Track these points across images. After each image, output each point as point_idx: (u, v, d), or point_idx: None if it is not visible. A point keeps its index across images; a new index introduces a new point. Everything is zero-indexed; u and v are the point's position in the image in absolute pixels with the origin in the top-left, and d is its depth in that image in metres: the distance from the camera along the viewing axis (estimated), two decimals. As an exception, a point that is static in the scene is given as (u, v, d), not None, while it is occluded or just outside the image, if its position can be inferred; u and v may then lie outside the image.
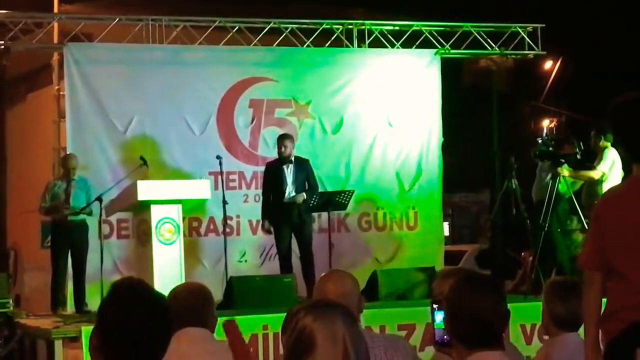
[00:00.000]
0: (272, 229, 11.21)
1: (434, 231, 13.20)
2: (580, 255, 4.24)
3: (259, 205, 12.25)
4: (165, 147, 12.07)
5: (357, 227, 12.82)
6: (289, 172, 11.14)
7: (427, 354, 4.83)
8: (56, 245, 10.95)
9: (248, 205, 12.37)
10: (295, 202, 10.97)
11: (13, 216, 12.63)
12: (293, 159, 11.22)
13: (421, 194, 13.12)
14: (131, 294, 2.93)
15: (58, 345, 8.12)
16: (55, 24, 12.44)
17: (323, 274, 4.42)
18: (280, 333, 8.25)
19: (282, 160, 11.16)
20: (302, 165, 11.28)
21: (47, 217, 11.25)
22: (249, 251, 12.32)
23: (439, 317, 3.38)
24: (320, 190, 11.55)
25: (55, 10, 13.37)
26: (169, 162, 12.03)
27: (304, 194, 11.04)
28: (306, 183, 11.22)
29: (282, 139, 11.29)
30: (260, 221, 11.59)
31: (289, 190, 11.09)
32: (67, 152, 11.44)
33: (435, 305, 3.45)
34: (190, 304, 4.34)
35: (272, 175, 11.22)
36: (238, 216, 12.25)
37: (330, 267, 10.71)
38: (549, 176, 10.84)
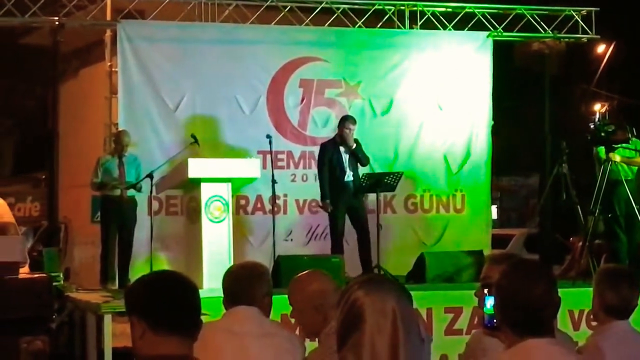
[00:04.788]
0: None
1: (481, 214, 13.14)
2: None
3: (306, 184, 12.31)
4: (215, 126, 12.13)
5: (403, 208, 12.80)
6: (345, 152, 11.12)
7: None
8: (106, 220, 11.07)
9: (295, 185, 12.42)
10: (351, 183, 10.95)
11: (64, 190, 12.74)
12: None
13: (469, 177, 13.06)
14: (152, 272, 3.17)
15: (107, 319, 8.17)
16: (109, 1, 12.50)
17: (298, 276, 4.40)
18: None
19: (342, 141, 11.13)
20: (358, 144, 11.25)
21: (97, 192, 11.37)
22: (296, 230, 12.37)
23: (489, 302, 3.36)
24: (369, 172, 11.55)
25: (109, -14, 13.43)
26: (219, 140, 12.09)
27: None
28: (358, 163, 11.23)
29: (350, 122, 11.16)
30: (312, 200, 11.60)
31: (348, 171, 11.10)
32: (120, 129, 11.54)
33: (485, 290, 3.42)
34: (242, 282, 4.34)
35: (330, 155, 11.20)
36: (285, 195, 12.29)
37: (378, 248, 10.72)
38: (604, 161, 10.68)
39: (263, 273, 4.47)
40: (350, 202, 11.08)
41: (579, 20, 13.36)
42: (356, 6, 12.96)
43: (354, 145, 11.09)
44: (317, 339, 4.26)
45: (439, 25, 13.09)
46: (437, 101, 12.96)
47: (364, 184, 11.07)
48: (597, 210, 10.30)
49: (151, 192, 10.45)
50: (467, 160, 13.06)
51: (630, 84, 23.73)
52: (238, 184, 9.90)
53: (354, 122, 11.24)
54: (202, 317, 3.02)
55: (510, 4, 13.29)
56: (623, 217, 10.60)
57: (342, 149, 11.10)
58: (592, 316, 4.77)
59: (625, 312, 4.43)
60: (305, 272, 4.44)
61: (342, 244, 11.05)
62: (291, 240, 12.32)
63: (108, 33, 12.77)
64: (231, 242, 9.20)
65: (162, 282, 3.00)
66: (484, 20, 13.10)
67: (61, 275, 10.69)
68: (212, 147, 11.84)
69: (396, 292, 2.65)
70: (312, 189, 12.40)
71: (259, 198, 12.15)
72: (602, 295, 4.44)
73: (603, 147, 10.50)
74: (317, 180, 12.12)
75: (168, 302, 2.92)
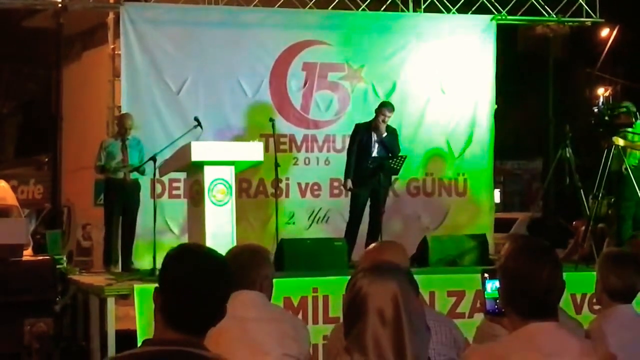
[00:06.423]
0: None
1: (483, 198, 13.13)
2: None
3: (309, 167, 12.33)
4: (218, 109, 12.12)
5: (405, 192, 12.79)
6: (377, 139, 11.10)
7: (476, 321, 4.82)
8: (109, 203, 11.06)
9: (298, 168, 12.42)
10: (379, 168, 10.93)
11: (67, 173, 12.76)
12: None
13: (471, 160, 13.05)
14: (198, 256, 2.83)
15: (110, 302, 8.21)
16: (112, -17, 12.50)
17: (375, 245, 4.40)
18: (330, 296, 8.35)
19: (375, 127, 11.09)
20: (392, 134, 11.23)
21: (101, 175, 11.37)
22: (297, 213, 12.38)
23: (490, 286, 3.34)
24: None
25: (112, -31, 13.41)
26: (222, 123, 12.08)
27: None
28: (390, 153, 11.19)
29: (386, 109, 11.11)
30: (314, 183, 11.56)
31: (374, 155, 11.09)
32: (123, 112, 11.52)
33: (486, 275, 3.40)
34: (242, 265, 4.26)
35: (361, 138, 11.17)
36: (287, 178, 12.30)
37: (381, 231, 10.72)
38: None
39: (262, 255, 4.40)
40: (373, 186, 11.05)
41: (583, 3, 13.30)
42: (360, -11, 12.92)
43: (384, 134, 11.07)
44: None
45: (442, 9, 13.03)
46: (440, 85, 12.94)
47: (368, 167, 11.05)
48: (600, 194, 10.28)
49: (154, 175, 10.44)
50: (470, 144, 13.05)
51: (634, 68, 23.68)
52: (241, 167, 9.90)
53: (390, 109, 11.20)
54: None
55: (514, -13, 13.25)
56: (634, 201, 10.55)
57: (374, 134, 11.10)
58: (595, 300, 4.77)
59: (628, 296, 4.43)
60: (382, 241, 4.50)
61: (357, 227, 11.04)
62: (293, 223, 12.33)
63: (111, 16, 12.78)
64: (234, 225, 9.20)
65: (187, 272, 2.76)
66: (487, 4, 13.06)
67: (64, 258, 10.73)
68: (215, 130, 11.84)
69: (400, 282, 2.64)
70: (314, 173, 12.43)
71: (261, 181, 12.16)
72: (606, 279, 4.43)
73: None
74: (320, 164, 12.20)
75: (182, 305, 2.74)
